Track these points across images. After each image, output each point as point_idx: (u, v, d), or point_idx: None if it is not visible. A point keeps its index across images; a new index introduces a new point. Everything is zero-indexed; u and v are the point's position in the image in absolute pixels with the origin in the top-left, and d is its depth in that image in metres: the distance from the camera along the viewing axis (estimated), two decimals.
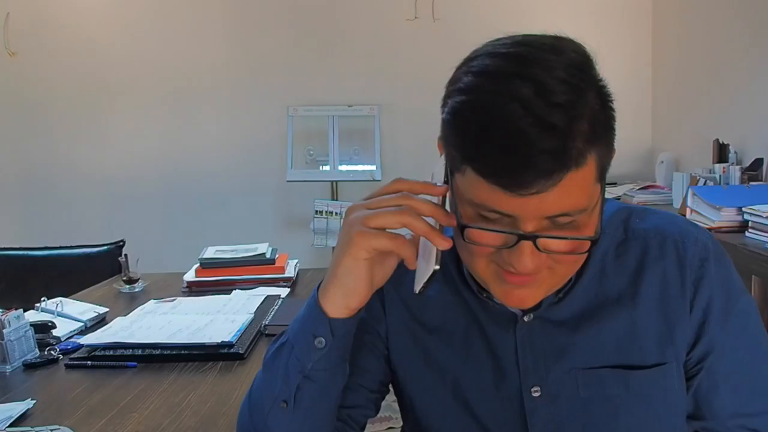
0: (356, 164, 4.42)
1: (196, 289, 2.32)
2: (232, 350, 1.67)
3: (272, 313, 1.95)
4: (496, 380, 0.98)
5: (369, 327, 1.04)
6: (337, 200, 4.34)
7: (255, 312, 1.95)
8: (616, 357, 0.94)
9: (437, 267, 0.82)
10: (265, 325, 1.84)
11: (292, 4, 4.56)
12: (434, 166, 0.91)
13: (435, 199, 0.86)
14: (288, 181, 4.35)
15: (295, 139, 4.39)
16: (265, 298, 2.11)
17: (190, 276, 2.35)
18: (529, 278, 0.84)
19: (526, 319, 0.96)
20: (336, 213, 4.25)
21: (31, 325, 1.73)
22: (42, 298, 2.02)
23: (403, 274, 0.92)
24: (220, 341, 1.68)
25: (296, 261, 2.51)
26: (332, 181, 4.39)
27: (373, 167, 4.30)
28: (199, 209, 4.67)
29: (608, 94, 0.80)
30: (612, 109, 0.80)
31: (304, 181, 4.39)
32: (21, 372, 1.65)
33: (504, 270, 0.84)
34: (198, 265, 2.37)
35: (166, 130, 4.65)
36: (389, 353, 1.06)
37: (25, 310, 1.77)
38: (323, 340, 0.89)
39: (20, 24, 4.60)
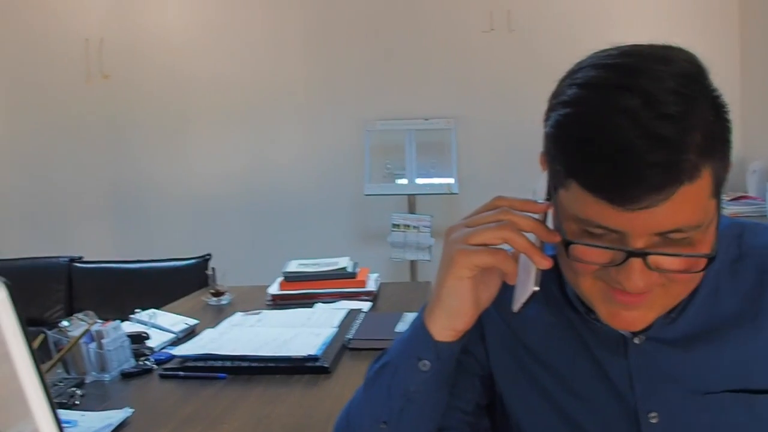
0: (433, 177, 4.43)
1: (279, 302, 2.37)
2: (317, 364, 1.70)
3: (355, 327, 1.98)
4: (610, 406, 0.94)
5: (465, 348, 1.01)
6: (414, 213, 4.36)
7: (338, 326, 1.98)
8: (738, 381, 0.89)
9: (536, 288, 0.81)
10: (349, 339, 1.87)
11: (368, 20, 4.62)
12: (536, 183, 0.90)
13: (537, 217, 0.85)
14: (366, 195, 4.40)
15: (373, 153, 4.43)
16: (348, 312, 2.13)
17: (274, 289, 2.41)
18: (640, 298, 0.80)
19: (637, 341, 0.91)
20: (413, 226, 4.27)
21: (127, 335, 1.81)
22: (136, 310, 2.10)
23: (502, 293, 0.90)
24: (306, 355, 1.71)
25: (377, 275, 2.53)
26: (409, 195, 4.40)
27: (451, 180, 4.31)
28: (279, 223, 4.76)
29: (723, 105, 0.78)
30: (728, 121, 0.78)
31: (382, 194, 4.42)
32: (118, 381, 1.72)
33: (612, 288, 0.81)
34: (281, 278, 2.43)
35: (247, 146, 4.77)
36: (491, 376, 1.03)
37: (120, 321, 1.85)
38: (428, 362, 0.89)
39: (113, 49, 4.81)
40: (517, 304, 0.86)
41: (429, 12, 4.55)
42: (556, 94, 0.82)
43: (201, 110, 4.79)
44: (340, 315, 2.09)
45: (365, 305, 2.27)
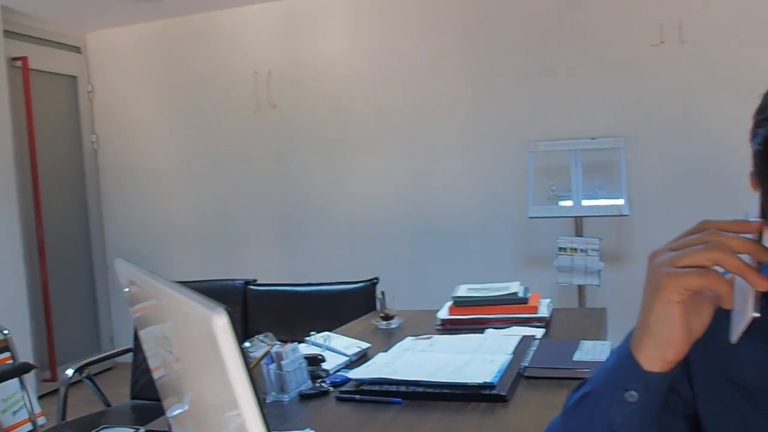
0: (601, 198, 4.26)
1: (449, 326, 2.34)
2: (494, 392, 1.65)
3: (530, 354, 1.91)
4: None
5: (670, 384, 0.93)
6: (581, 236, 4.21)
7: (513, 353, 1.92)
8: None
9: (756, 314, 0.74)
10: (525, 367, 1.81)
11: (531, 38, 4.55)
12: (747, 205, 0.83)
13: (750, 237, 0.78)
14: (530, 218, 4.30)
15: (536, 174, 4.34)
16: (521, 338, 2.07)
17: (443, 314, 2.38)
18: None
19: None
20: (581, 250, 4.12)
21: (303, 357, 1.84)
22: (311, 332, 2.15)
23: (710, 326, 0.83)
24: (481, 382, 1.67)
25: (548, 300, 2.45)
26: (576, 217, 4.26)
27: (621, 201, 4.12)
28: (441, 246, 4.76)
29: None
30: None
31: (547, 217, 4.30)
32: (297, 402, 1.76)
33: None
34: (451, 302, 2.40)
35: (409, 170, 4.82)
36: (696, 416, 0.96)
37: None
38: (635, 394, 0.83)
39: (280, 79, 5.04)
40: (735, 333, 0.78)
41: (594, 27, 4.42)
42: (761, 110, 0.77)
43: (363, 136, 4.90)
44: (513, 341, 2.03)
45: (538, 332, 2.20)
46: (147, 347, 0.96)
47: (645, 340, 0.82)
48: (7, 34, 4.76)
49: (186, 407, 0.78)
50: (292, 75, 5.02)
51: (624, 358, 0.84)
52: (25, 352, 4.52)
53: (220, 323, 0.52)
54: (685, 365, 0.94)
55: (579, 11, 4.44)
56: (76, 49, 5.55)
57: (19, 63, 4.94)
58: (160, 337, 0.77)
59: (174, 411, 0.91)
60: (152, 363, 0.96)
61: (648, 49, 4.31)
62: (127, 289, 0.97)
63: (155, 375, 0.99)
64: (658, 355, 0.82)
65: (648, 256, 0.83)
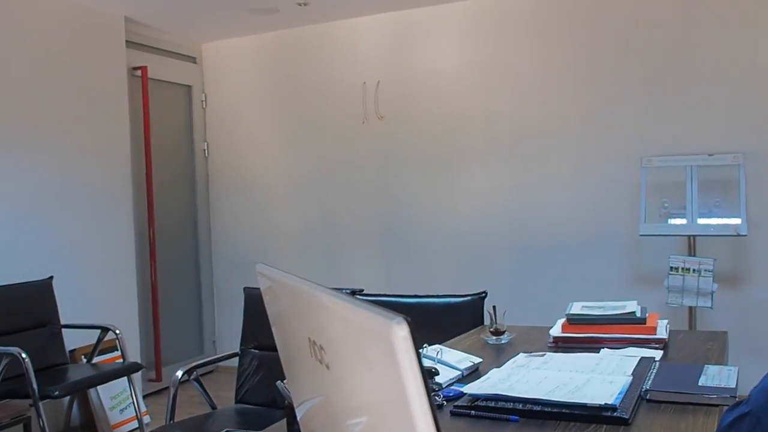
0: (717, 217, 4.08)
1: (562, 344, 2.29)
2: (615, 414, 1.59)
3: (651, 376, 1.84)
4: None
5: None
6: (695, 256, 4.04)
7: (632, 374, 1.85)
8: None
9: None
10: (647, 390, 1.74)
11: (646, 48, 4.42)
12: None
13: None
14: (641, 235, 4.16)
15: (649, 190, 4.20)
16: (640, 359, 2.00)
17: (556, 331, 2.33)
18: None
19: None
20: (694, 270, 3.96)
21: None
22: (424, 345, 2.14)
23: None
24: (602, 403, 1.61)
25: (666, 321, 2.36)
26: (690, 236, 4.10)
27: (738, 221, 3.94)
28: (548, 261, 4.67)
29: None
30: None
31: (659, 235, 4.16)
32: None
33: None
34: (564, 320, 2.34)
35: (516, 184, 4.76)
36: None
37: None
38: None
39: (388, 91, 5.08)
40: None
41: (714, 38, 4.25)
42: None
43: (470, 149, 4.88)
44: (632, 363, 1.96)
45: (656, 354, 2.11)
46: (286, 354, 0.97)
47: None
48: (129, 44, 4.99)
49: (331, 411, 0.78)
50: (400, 86, 5.05)
51: None
52: (134, 352, 4.71)
53: (401, 334, 0.51)
54: None
55: (697, 22, 4.28)
56: (192, 59, 5.77)
57: (138, 72, 5.18)
58: (309, 343, 0.78)
59: (313, 414, 0.91)
60: (291, 369, 0.97)
61: None
62: (268, 297, 0.98)
63: (292, 380, 1.00)
64: None
65: None
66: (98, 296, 4.60)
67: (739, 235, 3.94)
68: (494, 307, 2.43)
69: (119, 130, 4.83)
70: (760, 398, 0.85)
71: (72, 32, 4.52)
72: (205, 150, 5.85)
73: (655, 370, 1.90)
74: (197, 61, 5.82)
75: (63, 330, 4.14)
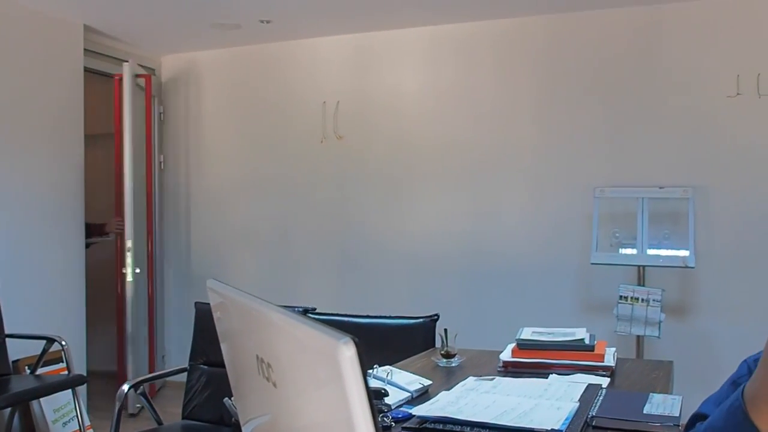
0: (666, 249, 4.17)
1: (511, 369, 2.30)
2: None
3: (597, 403, 1.86)
4: None
5: None
6: (643, 286, 4.12)
7: (579, 400, 1.87)
8: None
9: None
10: (593, 417, 1.76)
11: (603, 83, 4.52)
12: None
13: None
14: (592, 264, 4.23)
15: (601, 220, 4.28)
16: (587, 386, 2.02)
17: (506, 355, 2.34)
18: None
19: None
20: (642, 299, 4.03)
21: None
22: (374, 366, 2.13)
23: None
24: (549, 429, 1.63)
25: (614, 349, 2.39)
26: (639, 266, 4.18)
27: (686, 253, 4.03)
28: (502, 286, 4.71)
29: None
30: None
31: (609, 264, 4.23)
32: None
33: None
34: (514, 344, 2.36)
35: (471, 209, 4.81)
36: None
37: None
38: None
39: (347, 111, 5.10)
40: None
41: (669, 75, 4.37)
42: None
43: (427, 173, 4.91)
44: (579, 389, 1.98)
45: (604, 381, 2.14)
46: (234, 370, 0.96)
47: (766, 404, 0.79)
48: (87, 53, 4.93)
49: (277, 430, 0.78)
50: (359, 108, 5.07)
51: (738, 419, 0.81)
52: (80, 364, 4.60)
53: (348, 354, 0.51)
54: None
55: (654, 59, 4.40)
56: (151, 71, 5.72)
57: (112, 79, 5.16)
58: (257, 360, 0.77)
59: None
60: (239, 386, 0.96)
61: (723, 101, 4.24)
62: (218, 312, 0.97)
63: (239, 397, 0.99)
64: None
65: None
66: (45, 306, 4.49)
67: (687, 267, 4.03)
68: (446, 330, 2.44)
69: (73, 136, 4.74)
70: None
71: (29, 39, 4.44)
72: (161, 162, 5.78)
73: (601, 397, 1.93)
74: (156, 73, 5.76)
75: (7, 340, 4.02)
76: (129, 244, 4.99)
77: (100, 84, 5.36)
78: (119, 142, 5.14)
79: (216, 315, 0.99)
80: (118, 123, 5.15)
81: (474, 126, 4.80)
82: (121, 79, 5.09)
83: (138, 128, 5.22)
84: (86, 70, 4.91)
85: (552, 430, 1.62)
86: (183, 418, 3.27)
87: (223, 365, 1.01)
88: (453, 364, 2.41)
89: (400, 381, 2.05)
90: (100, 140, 5.55)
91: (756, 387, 0.80)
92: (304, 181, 5.26)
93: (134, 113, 5.09)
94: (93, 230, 5.05)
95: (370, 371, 2.12)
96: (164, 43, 5.45)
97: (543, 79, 4.65)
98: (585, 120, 4.55)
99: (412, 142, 4.95)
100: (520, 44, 4.70)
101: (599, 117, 4.53)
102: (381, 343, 2.94)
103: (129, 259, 5.00)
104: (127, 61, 5.11)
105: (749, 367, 0.91)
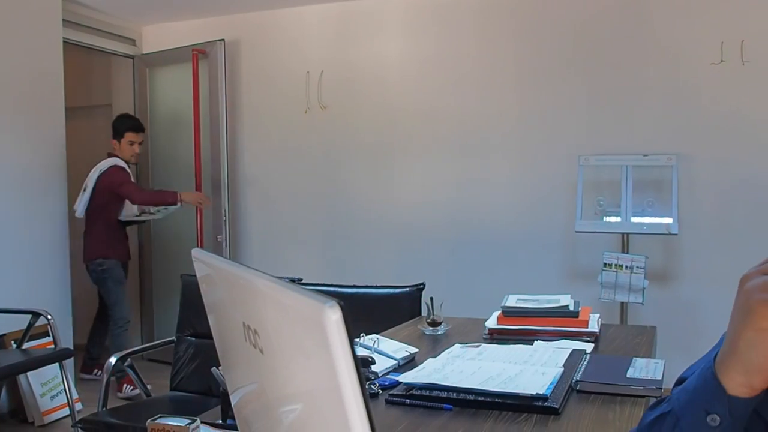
0: (650, 216, 4.20)
1: (497, 336, 2.33)
2: (546, 404, 1.63)
3: (581, 368, 1.89)
4: None
5: (754, 408, 0.94)
6: (627, 253, 4.15)
7: (563, 366, 1.90)
8: None
9: None
10: (577, 381, 1.79)
11: (588, 50, 4.51)
12: None
13: None
14: (576, 232, 4.26)
15: (586, 188, 4.29)
16: (572, 351, 2.05)
17: (491, 323, 2.37)
18: None
19: None
20: (626, 267, 4.06)
21: None
22: (361, 334, 2.15)
23: None
24: (534, 393, 1.65)
25: (598, 315, 2.42)
26: (623, 233, 4.21)
27: (670, 220, 4.06)
28: (486, 255, 4.73)
29: None
30: None
31: (594, 232, 4.26)
32: None
33: None
34: (500, 312, 2.38)
35: (456, 178, 4.81)
36: None
37: None
38: (718, 417, 0.81)
39: (332, 81, 5.06)
40: None
41: (653, 43, 4.37)
42: None
43: (412, 141, 4.90)
44: (563, 354, 2.01)
45: (588, 346, 2.17)
46: (221, 339, 0.97)
47: (732, 364, 0.80)
48: (66, 23, 4.85)
49: (265, 397, 0.78)
50: (344, 77, 5.04)
51: (708, 381, 0.83)
52: (67, 338, 4.60)
53: (333, 317, 0.51)
54: None
55: (638, 26, 4.39)
56: (132, 42, 5.64)
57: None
58: (243, 327, 0.77)
59: (247, 401, 0.91)
60: (226, 354, 0.97)
61: (707, 68, 4.25)
62: (204, 284, 0.97)
63: (227, 367, 1.00)
64: (745, 381, 0.80)
65: (740, 279, 0.81)
66: (29, 280, 4.47)
67: (670, 234, 4.07)
68: (431, 298, 2.46)
69: (54, 108, 4.68)
70: (681, 397, 0.87)
71: (7, 9, 4.36)
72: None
73: (585, 362, 1.95)
74: (137, 44, 5.69)
75: None
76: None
77: (80, 56, 5.29)
78: (198, 124, 5.23)
79: (202, 285, 0.99)
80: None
81: (458, 94, 4.79)
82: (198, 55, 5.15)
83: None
84: (65, 41, 4.84)
85: (537, 394, 1.65)
86: (171, 389, 3.28)
87: (210, 336, 1.01)
88: (439, 332, 2.43)
89: (386, 349, 2.07)
90: (80, 112, 5.49)
91: (723, 349, 0.82)
92: (289, 151, 5.23)
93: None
94: (164, 197, 4.90)
95: (357, 339, 2.14)
96: (145, 13, 5.37)
97: (526, 47, 4.63)
98: (569, 88, 4.55)
99: (396, 111, 4.93)
100: (502, 11, 4.68)
101: (583, 84, 4.52)
102: (367, 312, 2.96)
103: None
104: (106, 32, 5.03)
105: None
